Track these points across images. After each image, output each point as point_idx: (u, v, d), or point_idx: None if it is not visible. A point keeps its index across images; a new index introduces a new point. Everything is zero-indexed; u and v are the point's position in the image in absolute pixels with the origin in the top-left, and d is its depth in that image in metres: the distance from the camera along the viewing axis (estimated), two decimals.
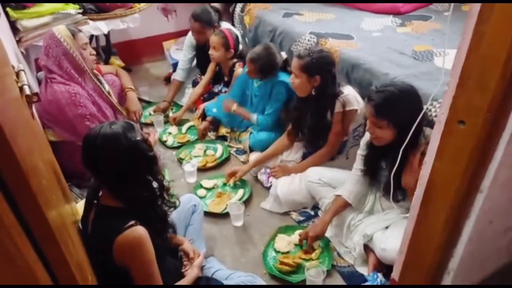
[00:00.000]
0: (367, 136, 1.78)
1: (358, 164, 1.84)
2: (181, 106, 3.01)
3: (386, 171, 1.73)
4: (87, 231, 1.33)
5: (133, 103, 2.44)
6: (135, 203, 1.32)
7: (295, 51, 2.65)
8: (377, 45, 2.42)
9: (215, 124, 2.77)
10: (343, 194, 1.83)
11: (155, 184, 1.37)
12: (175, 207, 1.51)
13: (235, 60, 2.76)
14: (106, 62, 3.24)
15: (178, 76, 3.08)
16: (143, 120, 2.97)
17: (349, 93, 2.02)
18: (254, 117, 2.49)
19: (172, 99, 3.08)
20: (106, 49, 3.32)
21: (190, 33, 2.94)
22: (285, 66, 2.40)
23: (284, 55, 2.46)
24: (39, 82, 2.31)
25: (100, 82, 2.20)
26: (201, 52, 2.90)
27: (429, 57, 2.23)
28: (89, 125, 2.01)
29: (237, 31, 2.98)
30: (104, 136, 1.24)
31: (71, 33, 2.01)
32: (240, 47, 2.84)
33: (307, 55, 1.98)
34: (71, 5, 2.53)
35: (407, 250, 1.19)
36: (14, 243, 0.63)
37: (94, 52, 2.16)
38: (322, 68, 1.98)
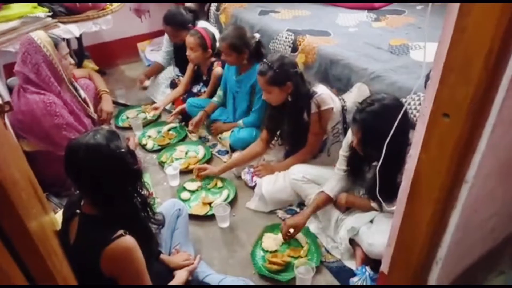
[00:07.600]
0: (349, 137, 1.79)
1: (341, 164, 1.85)
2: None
3: (369, 172, 1.74)
4: (68, 242, 1.29)
5: (106, 104, 2.38)
6: (117, 215, 1.28)
7: (273, 48, 2.64)
8: (354, 40, 2.44)
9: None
10: (325, 189, 1.85)
11: (139, 198, 1.34)
12: (162, 225, 1.49)
13: (213, 59, 2.73)
14: (79, 66, 3.15)
15: (159, 60, 3.10)
16: (120, 124, 2.92)
17: (323, 92, 2.01)
18: (240, 122, 2.49)
19: (150, 75, 3.14)
20: (78, 53, 3.22)
21: None
22: (258, 49, 2.36)
23: (257, 35, 2.39)
24: (10, 89, 2.22)
25: (76, 89, 2.13)
26: (180, 52, 2.86)
27: (405, 50, 2.26)
28: (66, 134, 1.95)
29: (215, 29, 2.94)
30: (88, 146, 1.20)
31: (54, 42, 1.94)
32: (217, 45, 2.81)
33: (268, 68, 1.96)
34: (39, 8, 2.43)
35: (395, 242, 1.21)
36: None
37: (73, 62, 2.09)
38: (288, 73, 1.97)
